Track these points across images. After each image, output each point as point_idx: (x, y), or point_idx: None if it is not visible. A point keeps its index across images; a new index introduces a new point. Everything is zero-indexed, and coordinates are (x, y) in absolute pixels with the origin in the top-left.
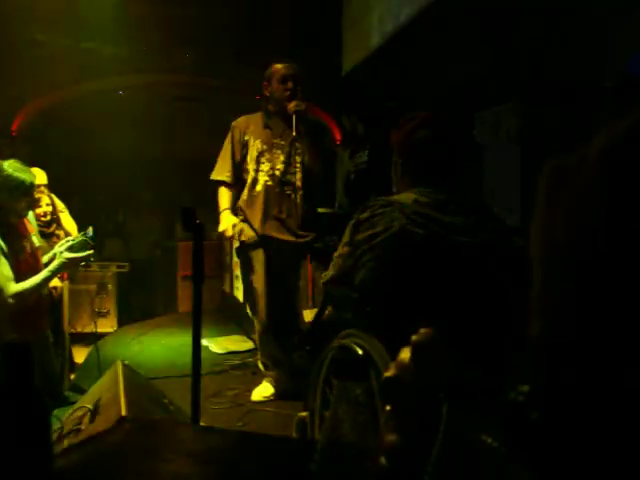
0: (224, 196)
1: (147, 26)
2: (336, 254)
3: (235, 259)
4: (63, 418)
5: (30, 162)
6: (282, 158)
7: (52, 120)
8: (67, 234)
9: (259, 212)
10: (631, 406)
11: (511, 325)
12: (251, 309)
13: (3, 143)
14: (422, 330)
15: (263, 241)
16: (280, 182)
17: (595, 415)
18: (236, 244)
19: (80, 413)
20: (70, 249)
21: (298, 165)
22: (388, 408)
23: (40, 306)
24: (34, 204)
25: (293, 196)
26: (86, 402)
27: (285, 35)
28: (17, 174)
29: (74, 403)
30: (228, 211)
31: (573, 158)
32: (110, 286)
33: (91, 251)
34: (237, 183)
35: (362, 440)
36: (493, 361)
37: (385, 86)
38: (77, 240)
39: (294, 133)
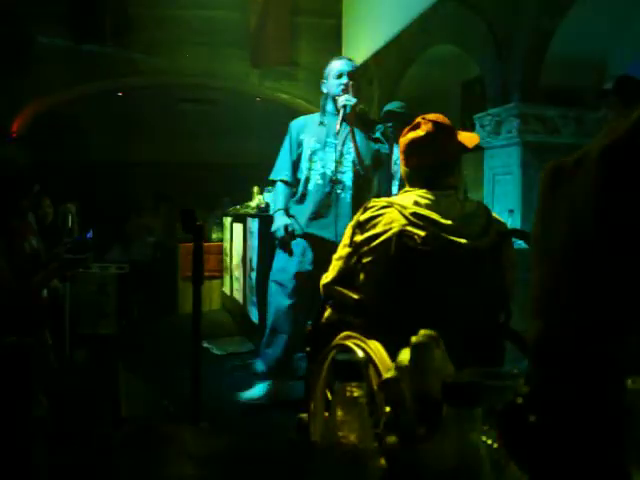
0: (281, 195)
1: (147, 26)
2: (336, 256)
3: (235, 261)
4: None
5: (29, 164)
6: (334, 157)
7: (51, 122)
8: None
9: (307, 210)
10: (628, 407)
11: (509, 325)
12: (269, 307)
13: (2, 144)
14: (422, 332)
15: (305, 238)
16: (330, 181)
17: (593, 416)
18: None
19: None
20: (69, 251)
21: (349, 164)
22: (388, 409)
23: (39, 307)
24: (35, 206)
25: (343, 195)
26: None
27: (285, 36)
28: (18, 174)
29: (72, 404)
30: (282, 211)
31: (572, 159)
32: (110, 287)
33: (89, 253)
34: (295, 183)
35: (362, 441)
36: (492, 362)
37: (383, 88)
38: (76, 241)
39: (338, 126)
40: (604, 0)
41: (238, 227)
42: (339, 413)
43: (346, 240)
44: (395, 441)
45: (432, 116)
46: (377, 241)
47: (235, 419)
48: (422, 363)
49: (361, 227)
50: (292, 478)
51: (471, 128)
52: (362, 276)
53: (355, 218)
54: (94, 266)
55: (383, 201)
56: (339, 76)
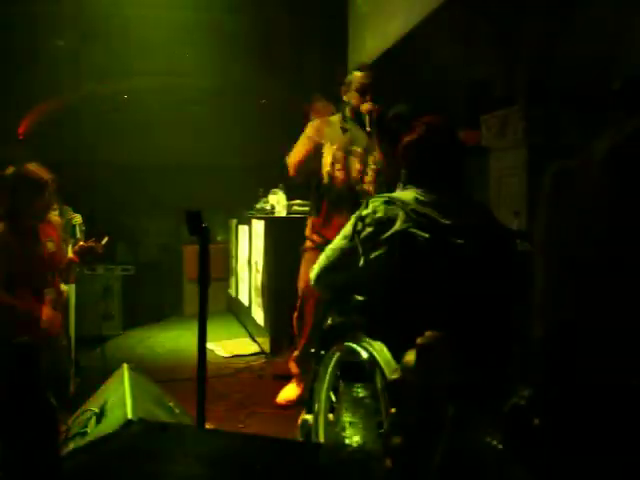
0: None
1: (148, 27)
2: (331, 246)
3: (240, 262)
4: (69, 421)
5: (43, 165)
6: (357, 166)
7: (57, 124)
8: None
9: (332, 220)
10: (634, 406)
11: (512, 326)
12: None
13: (10, 147)
14: (427, 333)
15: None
16: (355, 191)
17: (597, 416)
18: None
19: (86, 416)
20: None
21: (372, 173)
22: (393, 410)
23: (57, 309)
24: (50, 207)
25: None
26: (92, 405)
27: (289, 36)
28: (34, 175)
29: (80, 406)
30: None
31: (577, 161)
32: (116, 289)
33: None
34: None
35: (367, 442)
36: (495, 363)
37: (391, 88)
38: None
39: (368, 129)
40: (610, 0)
41: (244, 229)
42: (344, 414)
43: (347, 232)
44: (400, 442)
45: (427, 119)
46: (381, 238)
47: (240, 420)
48: (427, 364)
49: (363, 221)
50: (297, 479)
51: (476, 129)
52: (366, 276)
53: (357, 212)
54: (99, 267)
55: (385, 197)
56: (362, 92)
